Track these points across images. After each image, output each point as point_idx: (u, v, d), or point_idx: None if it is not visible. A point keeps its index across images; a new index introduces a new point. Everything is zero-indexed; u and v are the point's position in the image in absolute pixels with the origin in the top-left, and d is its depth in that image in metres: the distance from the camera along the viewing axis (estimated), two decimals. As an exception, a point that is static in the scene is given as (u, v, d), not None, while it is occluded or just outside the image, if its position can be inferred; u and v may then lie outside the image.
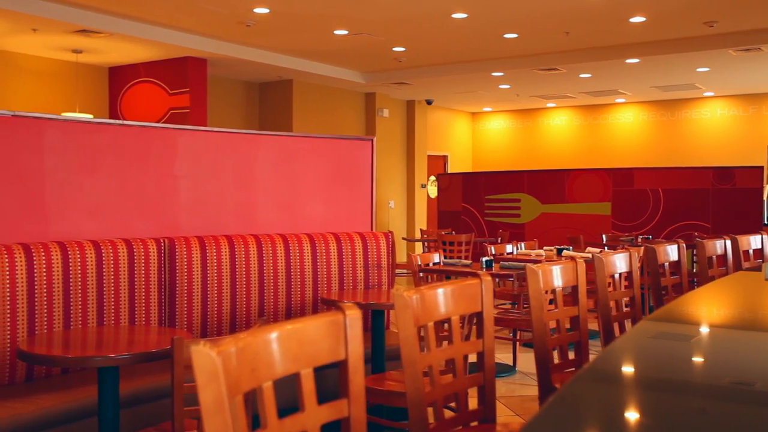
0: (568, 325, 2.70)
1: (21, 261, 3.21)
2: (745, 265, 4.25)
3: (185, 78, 9.58)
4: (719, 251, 4.09)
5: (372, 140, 4.83)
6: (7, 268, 3.17)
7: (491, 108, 15.59)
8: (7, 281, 3.16)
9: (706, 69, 10.67)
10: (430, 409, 1.93)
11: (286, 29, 8.80)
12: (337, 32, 8.95)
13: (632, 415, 1.37)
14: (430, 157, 14.58)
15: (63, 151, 3.63)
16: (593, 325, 5.42)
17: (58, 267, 3.32)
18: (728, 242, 4.17)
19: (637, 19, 8.25)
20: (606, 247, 7.26)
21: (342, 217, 4.69)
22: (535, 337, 2.41)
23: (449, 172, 14.90)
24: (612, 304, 2.92)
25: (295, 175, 4.54)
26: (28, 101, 9.17)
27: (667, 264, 3.66)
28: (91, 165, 3.75)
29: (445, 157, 15.53)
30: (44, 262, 3.28)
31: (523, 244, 6.56)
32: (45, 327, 3.27)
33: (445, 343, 2.24)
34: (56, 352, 2.63)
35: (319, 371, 1.41)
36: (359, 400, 1.45)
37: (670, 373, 1.71)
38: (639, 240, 8.27)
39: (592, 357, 2.65)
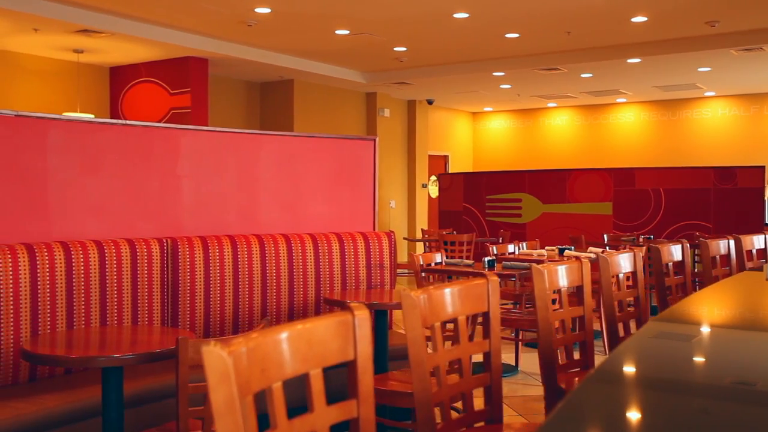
0: (571, 326, 2.69)
1: (24, 261, 3.20)
2: (749, 264, 4.24)
3: (186, 78, 9.58)
4: (723, 251, 4.08)
5: (374, 140, 4.83)
6: (11, 268, 3.16)
7: (492, 108, 15.58)
8: (11, 281, 3.16)
9: (708, 69, 10.66)
10: (435, 410, 1.93)
11: (288, 29, 8.79)
12: (339, 32, 8.94)
13: (645, 419, 1.35)
14: (431, 156, 14.57)
15: (66, 151, 3.63)
16: (595, 325, 5.41)
17: (61, 267, 3.32)
18: (732, 242, 4.16)
19: (639, 19, 8.24)
20: (607, 247, 7.25)
21: (344, 217, 4.69)
22: (541, 338, 2.40)
23: (450, 171, 14.88)
24: (616, 304, 2.91)
25: (298, 175, 4.53)
26: (30, 101, 9.16)
27: (670, 264, 3.66)
28: (94, 165, 3.74)
29: (446, 157, 15.52)
30: (47, 262, 3.27)
31: (524, 244, 6.56)
32: (48, 327, 3.27)
33: (449, 343, 2.23)
34: (60, 352, 2.63)
35: (325, 372, 1.40)
36: (368, 400, 1.44)
37: (678, 374, 1.70)
38: (640, 240, 8.27)
39: (596, 357, 2.64)
